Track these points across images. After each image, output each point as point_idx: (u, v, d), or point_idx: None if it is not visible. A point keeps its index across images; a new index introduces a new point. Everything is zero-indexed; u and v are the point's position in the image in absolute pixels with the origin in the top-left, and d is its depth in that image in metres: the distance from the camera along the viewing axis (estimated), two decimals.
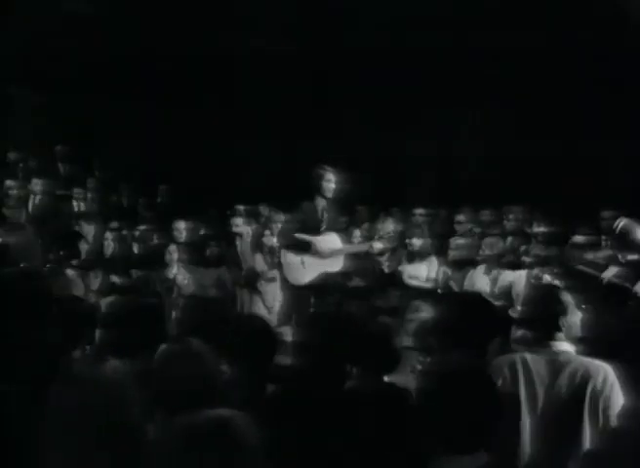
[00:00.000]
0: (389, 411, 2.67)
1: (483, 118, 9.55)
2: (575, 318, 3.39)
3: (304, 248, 6.66)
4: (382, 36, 9.18)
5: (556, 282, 5.39)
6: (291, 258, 6.76)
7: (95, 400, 1.90)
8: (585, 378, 3.19)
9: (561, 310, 3.36)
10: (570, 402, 3.20)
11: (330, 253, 6.68)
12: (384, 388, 3.24)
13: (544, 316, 3.40)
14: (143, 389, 2.40)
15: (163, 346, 3.50)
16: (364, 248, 7.00)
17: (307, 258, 6.70)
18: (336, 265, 6.74)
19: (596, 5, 8.16)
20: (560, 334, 3.33)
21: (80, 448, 1.85)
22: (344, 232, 7.17)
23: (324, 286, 6.59)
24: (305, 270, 6.69)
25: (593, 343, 3.52)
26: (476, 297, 3.97)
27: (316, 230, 6.73)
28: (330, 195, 6.72)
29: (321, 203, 6.77)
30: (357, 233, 7.63)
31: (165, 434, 2.02)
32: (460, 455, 2.27)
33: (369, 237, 7.40)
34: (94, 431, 1.87)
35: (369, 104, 9.79)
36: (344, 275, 6.81)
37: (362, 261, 7.14)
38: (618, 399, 3.16)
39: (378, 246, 6.87)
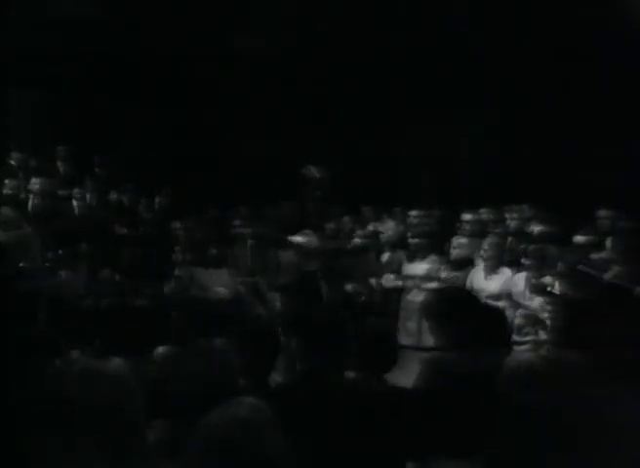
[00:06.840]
0: (386, 411, 2.66)
1: (483, 118, 9.55)
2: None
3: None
4: (381, 35, 9.19)
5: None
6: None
7: (96, 398, 1.90)
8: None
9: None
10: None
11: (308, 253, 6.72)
12: (382, 388, 3.24)
13: (573, 331, 3.26)
14: (146, 388, 2.40)
15: (166, 347, 3.53)
16: (341, 245, 7.05)
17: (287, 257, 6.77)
18: (313, 264, 6.79)
19: (597, 5, 8.18)
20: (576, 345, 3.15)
21: (81, 447, 1.86)
22: (327, 230, 7.21)
23: (301, 284, 6.62)
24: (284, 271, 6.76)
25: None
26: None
27: (296, 230, 6.77)
28: (313, 194, 6.74)
29: (305, 202, 6.80)
30: (360, 232, 7.64)
31: (193, 432, 1.99)
32: (458, 459, 2.25)
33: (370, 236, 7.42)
34: (95, 429, 1.87)
35: (369, 104, 9.79)
36: (323, 273, 6.83)
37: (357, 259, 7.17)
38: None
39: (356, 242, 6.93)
